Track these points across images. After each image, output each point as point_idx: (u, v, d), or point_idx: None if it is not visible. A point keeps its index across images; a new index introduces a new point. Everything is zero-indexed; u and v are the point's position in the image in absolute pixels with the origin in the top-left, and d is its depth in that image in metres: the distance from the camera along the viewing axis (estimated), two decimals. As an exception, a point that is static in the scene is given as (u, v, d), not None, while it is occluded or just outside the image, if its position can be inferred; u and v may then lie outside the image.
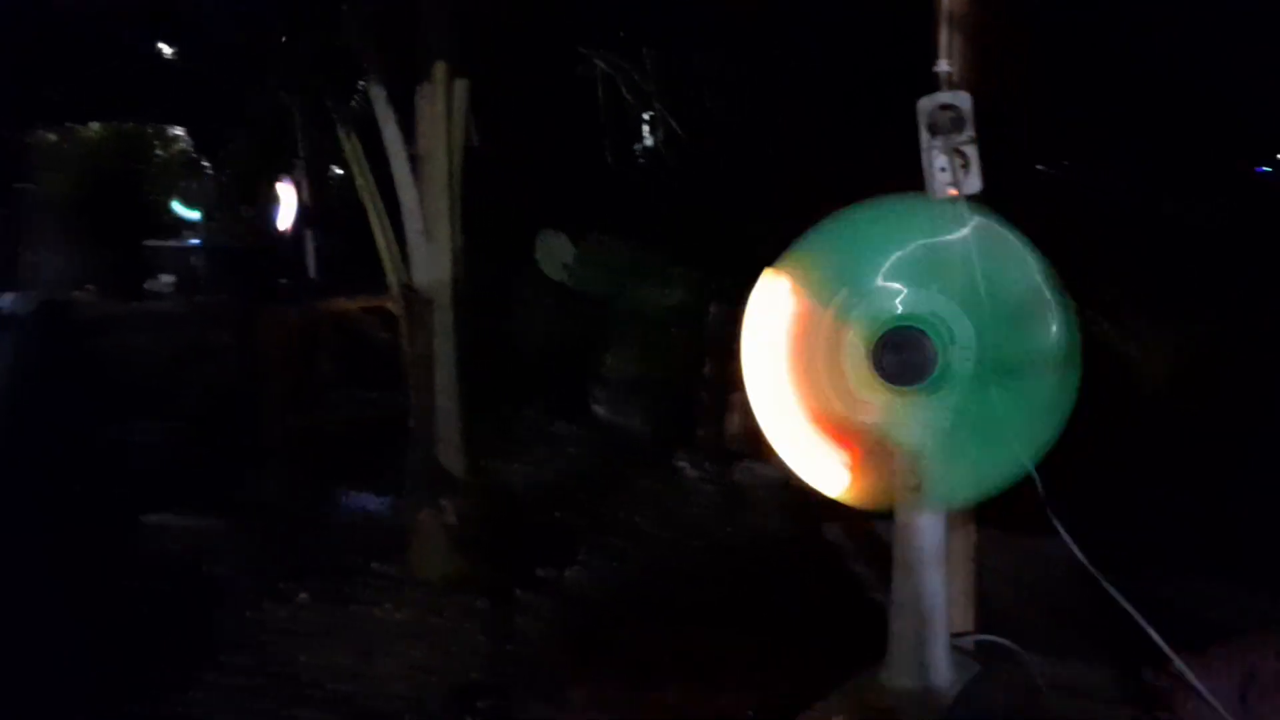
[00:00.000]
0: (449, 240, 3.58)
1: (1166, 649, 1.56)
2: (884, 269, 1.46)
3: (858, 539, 2.34)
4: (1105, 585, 1.55)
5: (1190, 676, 1.56)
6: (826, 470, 1.52)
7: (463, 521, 3.71)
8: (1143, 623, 1.57)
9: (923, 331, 1.39)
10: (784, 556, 2.28)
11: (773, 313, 1.53)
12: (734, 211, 3.91)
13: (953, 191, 1.52)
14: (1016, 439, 1.40)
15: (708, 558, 2.30)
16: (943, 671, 1.62)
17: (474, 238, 3.80)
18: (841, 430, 1.51)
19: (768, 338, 1.53)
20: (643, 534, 4.26)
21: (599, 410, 4.61)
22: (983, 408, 1.42)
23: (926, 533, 1.57)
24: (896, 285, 1.45)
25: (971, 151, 1.53)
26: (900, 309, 1.45)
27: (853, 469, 1.51)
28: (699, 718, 1.67)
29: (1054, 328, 1.38)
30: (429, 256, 3.52)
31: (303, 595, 3.43)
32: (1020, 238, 1.39)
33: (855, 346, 1.46)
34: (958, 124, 1.52)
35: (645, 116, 4.69)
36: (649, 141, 4.62)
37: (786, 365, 1.52)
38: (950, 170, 1.52)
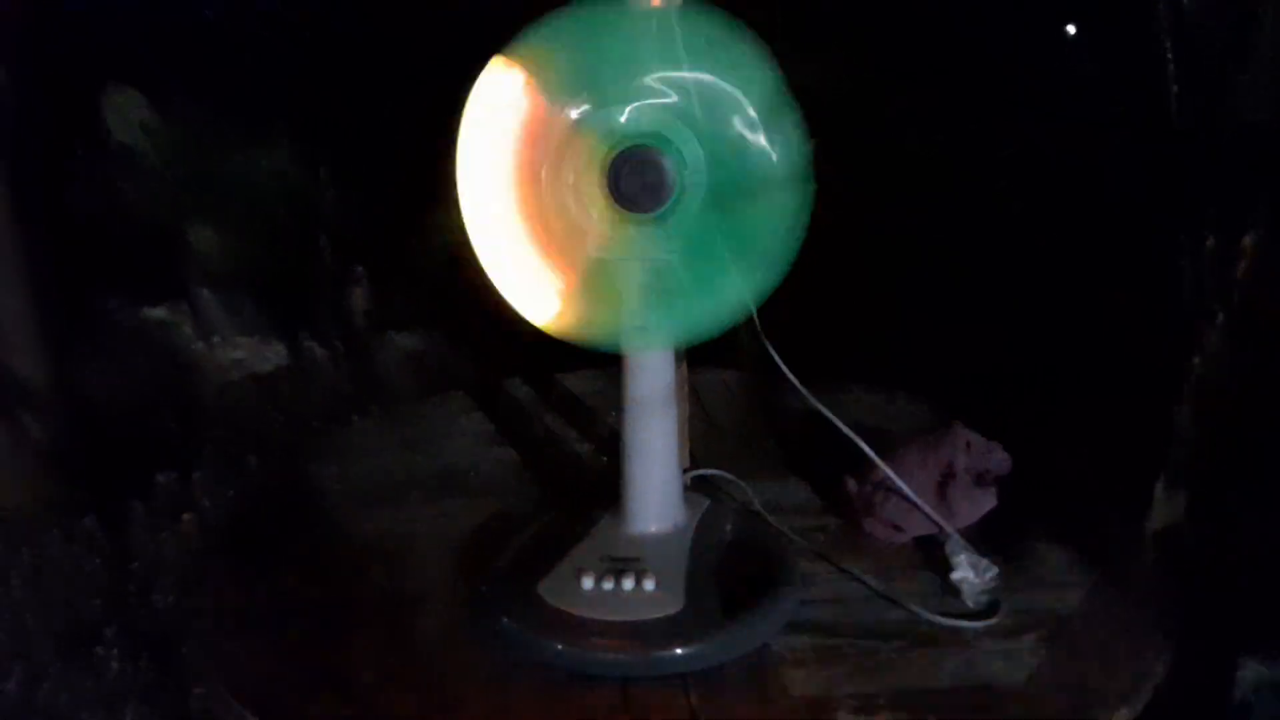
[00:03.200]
0: (-13, 91, 2.95)
1: (872, 454, 1.68)
2: (622, 78, 1.30)
3: (544, 392, 2.27)
4: (813, 402, 1.62)
5: (894, 478, 1.68)
6: (538, 296, 1.37)
7: (51, 437, 3.18)
8: (849, 432, 1.66)
9: (662, 152, 1.27)
10: (446, 423, 2.15)
11: (500, 110, 1.30)
12: (355, 69, 3.49)
13: (655, 2, 1.42)
14: (742, 275, 1.36)
15: (358, 438, 2.12)
16: (681, 508, 1.62)
17: (22, 94, 3.13)
18: (560, 254, 1.36)
19: (491, 138, 1.31)
20: (272, 420, 3.90)
21: (202, 295, 4.07)
22: (710, 240, 1.35)
23: (658, 372, 1.51)
24: (634, 98, 1.29)
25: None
26: (637, 125, 1.30)
27: (565, 297, 1.37)
28: (403, 600, 1.52)
29: (779, 152, 1.30)
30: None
31: None
32: (752, 48, 1.29)
33: (590, 163, 1.30)
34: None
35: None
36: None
37: (509, 173, 1.32)
38: (655, -21, 1.41)
